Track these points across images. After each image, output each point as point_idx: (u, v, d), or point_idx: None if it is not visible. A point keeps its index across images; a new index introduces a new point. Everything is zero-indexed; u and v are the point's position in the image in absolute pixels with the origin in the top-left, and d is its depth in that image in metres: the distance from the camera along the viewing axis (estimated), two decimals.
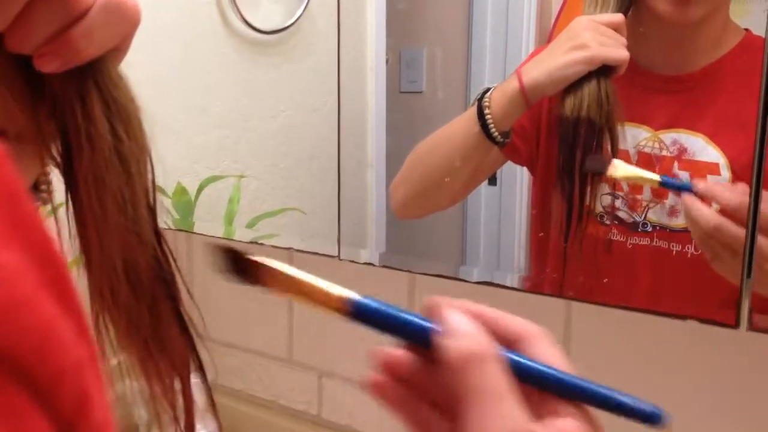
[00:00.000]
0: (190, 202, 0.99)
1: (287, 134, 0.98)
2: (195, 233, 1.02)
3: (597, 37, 0.64)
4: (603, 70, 0.65)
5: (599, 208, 0.71)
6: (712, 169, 0.65)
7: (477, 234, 0.87)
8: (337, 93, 0.87)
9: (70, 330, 0.18)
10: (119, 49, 0.32)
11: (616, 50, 0.64)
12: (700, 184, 0.64)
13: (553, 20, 0.77)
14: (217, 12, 0.96)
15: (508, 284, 0.81)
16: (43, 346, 0.17)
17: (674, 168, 0.67)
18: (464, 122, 0.71)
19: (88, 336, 0.19)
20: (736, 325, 0.64)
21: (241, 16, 0.95)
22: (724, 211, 0.62)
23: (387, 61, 0.89)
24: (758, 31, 0.60)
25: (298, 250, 0.94)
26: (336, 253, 0.90)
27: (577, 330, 0.78)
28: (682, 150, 0.67)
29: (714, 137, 0.66)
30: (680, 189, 0.65)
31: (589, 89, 0.65)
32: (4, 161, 0.18)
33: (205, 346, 0.36)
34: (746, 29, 0.63)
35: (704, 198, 0.63)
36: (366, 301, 0.33)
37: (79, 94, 0.30)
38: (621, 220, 0.70)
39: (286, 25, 0.96)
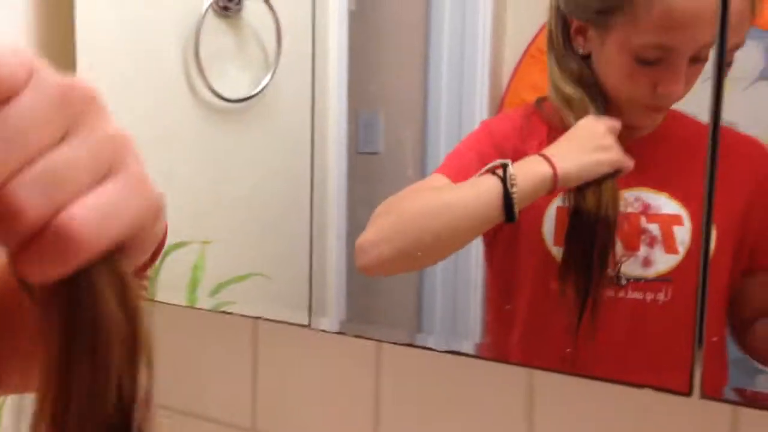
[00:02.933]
0: (153, 270, 0.98)
1: (252, 199, 0.98)
2: (157, 302, 1.00)
3: (616, 143, 0.69)
4: (614, 174, 0.70)
5: None
6: (676, 220, 0.69)
7: (434, 298, 0.86)
8: (310, 157, 0.87)
9: None
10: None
11: (629, 159, 0.70)
12: None
13: (504, 87, 0.79)
14: (185, 82, 0.98)
15: (470, 352, 0.80)
16: None
17: (643, 222, 0.71)
18: (482, 198, 0.71)
19: None
20: (689, 393, 0.64)
21: (209, 85, 0.97)
22: None
23: (348, 123, 0.89)
24: None
25: (265, 319, 0.92)
26: (306, 322, 0.88)
27: (541, 400, 0.75)
28: (646, 206, 0.71)
29: (671, 192, 0.70)
30: None
31: (607, 189, 0.69)
32: None
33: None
34: None
35: None
36: None
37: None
38: None
39: (253, 93, 0.97)
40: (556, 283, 0.73)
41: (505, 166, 0.69)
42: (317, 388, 0.92)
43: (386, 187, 0.81)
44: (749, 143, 0.67)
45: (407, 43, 0.86)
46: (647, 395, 0.67)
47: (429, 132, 0.83)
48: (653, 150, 0.72)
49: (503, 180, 0.68)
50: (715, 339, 0.67)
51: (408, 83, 0.86)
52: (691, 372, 0.65)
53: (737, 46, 0.64)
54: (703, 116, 0.65)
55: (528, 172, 0.69)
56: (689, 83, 0.67)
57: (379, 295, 0.91)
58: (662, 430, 0.69)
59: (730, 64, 0.64)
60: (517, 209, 0.68)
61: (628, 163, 0.69)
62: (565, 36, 0.71)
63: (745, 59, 0.64)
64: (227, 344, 1.00)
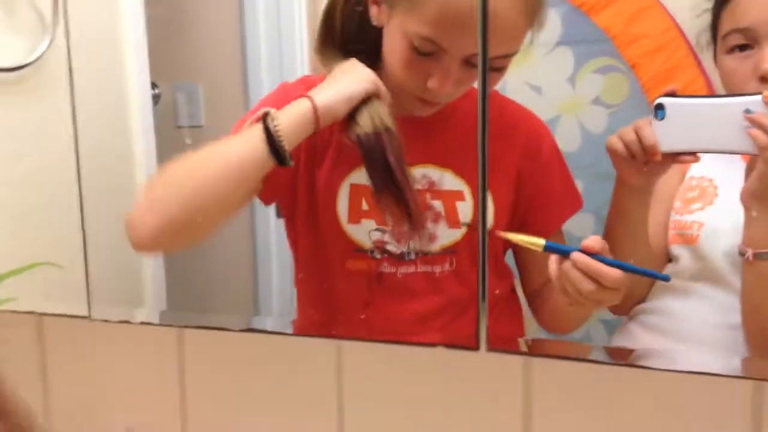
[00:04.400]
0: None
1: (33, 181, 0.88)
2: None
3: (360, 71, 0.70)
4: (377, 95, 0.70)
5: (369, 244, 0.74)
6: (458, 196, 0.73)
7: (269, 281, 0.85)
8: (74, 135, 0.80)
9: None
10: None
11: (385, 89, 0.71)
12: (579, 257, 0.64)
13: None
14: None
15: (274, 329, 0.80)
16: None
17: (428, 199, 0.73)
18: (246, 143, 0.68)
19: None
20: (476, 347, 0.69)
21: None
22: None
23: (156, 98, 0.84)
24: None
25: (45, 314, 0.84)
26: (86, 313, 0.81)
27: (349, 367, 0.77)
28: (431, 182, 0.73)
29: (455, 169, 0.73)
30: (565, 252, 0.65)
31: (375, 106, 0.69)
32: None
33: None
34: None
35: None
36: None
37: None
38: (390, 253, 0.74)
39: (28, 61, 0.87)
40: (351, 262, 0.75)
41: (266, 113, 0.68)
42: (117, 382, 0.86)
43: None
44: (523, 117, 0.72)
45: (220, 10, 0.83)
46: (445, 353, 0.71)
47: (252, 103, 0.80)
48: (439, 127, 0.74)
49: (264, 122, 0.67)
50: (497, 292, 0.72)
51: (225, 53, 0.82)
52: (477, 328, 0.69)
53: (512, 54, 0.67)
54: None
55: (290, 110, 0.68)
56: (462, 84, 0.69)
57: (211, 282, 0.87)
58: (459, 383, 0.73)
59: (502, 69, 0.67)
60: (286, 148, 0.67)
61: (384, 89, 0.70)
62: (360, 4, 0.71)
63: (546, 26, 0.68)
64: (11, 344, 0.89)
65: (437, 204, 0.73)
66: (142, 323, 0.82)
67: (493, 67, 0.67)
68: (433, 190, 0.73)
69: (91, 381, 0.87)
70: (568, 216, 0.73)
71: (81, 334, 0.86)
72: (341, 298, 0.76)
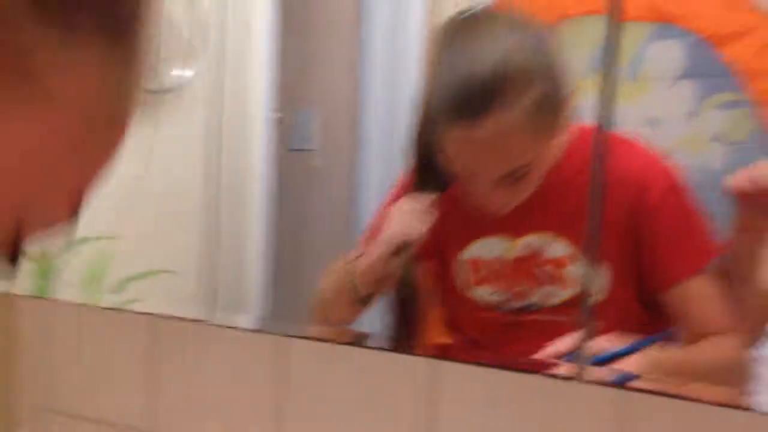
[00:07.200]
0: (52, 266, 0.92)
1: (163, 194, 0.95)
2: (57, 300, 0.94)
3: (400, 220, 0.76)
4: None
5: (494, 303, 0.77)
6: (563, 262, 0.72)
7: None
8: (217, 153, 0.86)
9: None
10: None
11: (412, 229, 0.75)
12: None
13: None
14: None
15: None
16: None
17: (533, 266, 0.73)
18: (339, 278, 0.80)
19: None
20: None
21: None
22: None
23: (280, 120, 0.89)
24: None
25: (164, 316, 0.88)
26: (204, 318, 0.85)
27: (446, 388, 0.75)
28: (534, 252, 0.73)
29: (562, 231, 0.72)
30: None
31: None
32: None
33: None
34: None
35: None
36: None
37: None
38: (514, 308, 0.76)
39: (173, 84, 0.95)
40: (480, 313, 0.77)
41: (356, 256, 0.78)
42: (220, 387, 0.88)
43: (321, 184, 0.81)
44: (629, 168, 0.68)
45: (340, 41, 0.87)
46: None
47: (363, 129, 0.84)
48: (542, 195, 0.73)
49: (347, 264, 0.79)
50: None
51: (342, 80, 0.86)
52: None
53: (528, 164, 0.70)
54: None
55: (367, 258, 0.78)
56: (515, 195, 0.72)
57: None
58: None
59: (527, 175, 0.70)
60: (361, 290, 0.78)
61: (416, 234, 0.75)
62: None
63: (667, 59, 0.67)
64: (128, 343, 0.94)
65: (545, 270, 0.73)
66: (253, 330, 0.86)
67: (518, 176, 0.70)
68: (539, 259, 0.73)
69: (196, 385, 0.90)
70: (695, 267, 0.69)
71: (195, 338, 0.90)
72: (472, 335, 0.79)
